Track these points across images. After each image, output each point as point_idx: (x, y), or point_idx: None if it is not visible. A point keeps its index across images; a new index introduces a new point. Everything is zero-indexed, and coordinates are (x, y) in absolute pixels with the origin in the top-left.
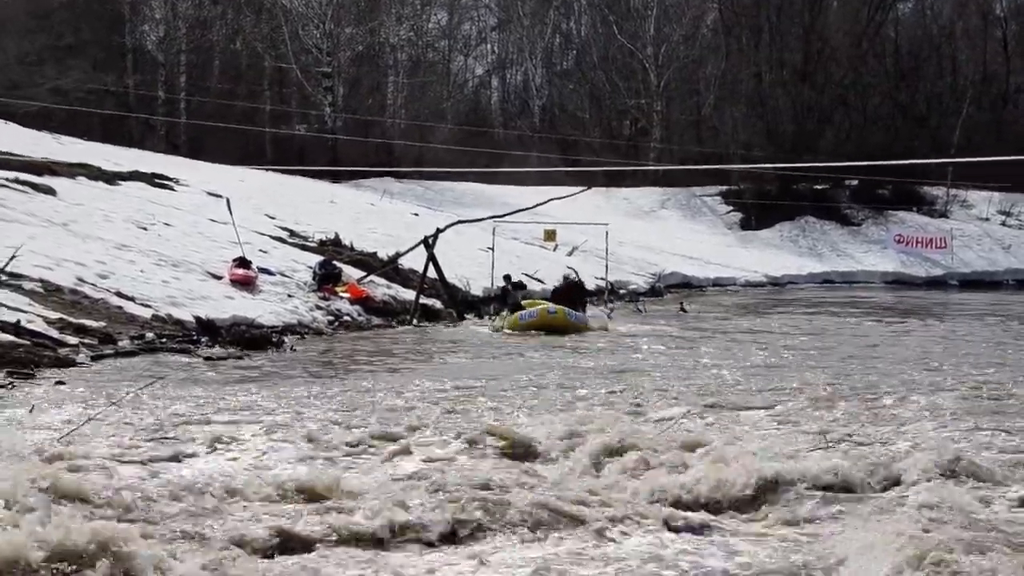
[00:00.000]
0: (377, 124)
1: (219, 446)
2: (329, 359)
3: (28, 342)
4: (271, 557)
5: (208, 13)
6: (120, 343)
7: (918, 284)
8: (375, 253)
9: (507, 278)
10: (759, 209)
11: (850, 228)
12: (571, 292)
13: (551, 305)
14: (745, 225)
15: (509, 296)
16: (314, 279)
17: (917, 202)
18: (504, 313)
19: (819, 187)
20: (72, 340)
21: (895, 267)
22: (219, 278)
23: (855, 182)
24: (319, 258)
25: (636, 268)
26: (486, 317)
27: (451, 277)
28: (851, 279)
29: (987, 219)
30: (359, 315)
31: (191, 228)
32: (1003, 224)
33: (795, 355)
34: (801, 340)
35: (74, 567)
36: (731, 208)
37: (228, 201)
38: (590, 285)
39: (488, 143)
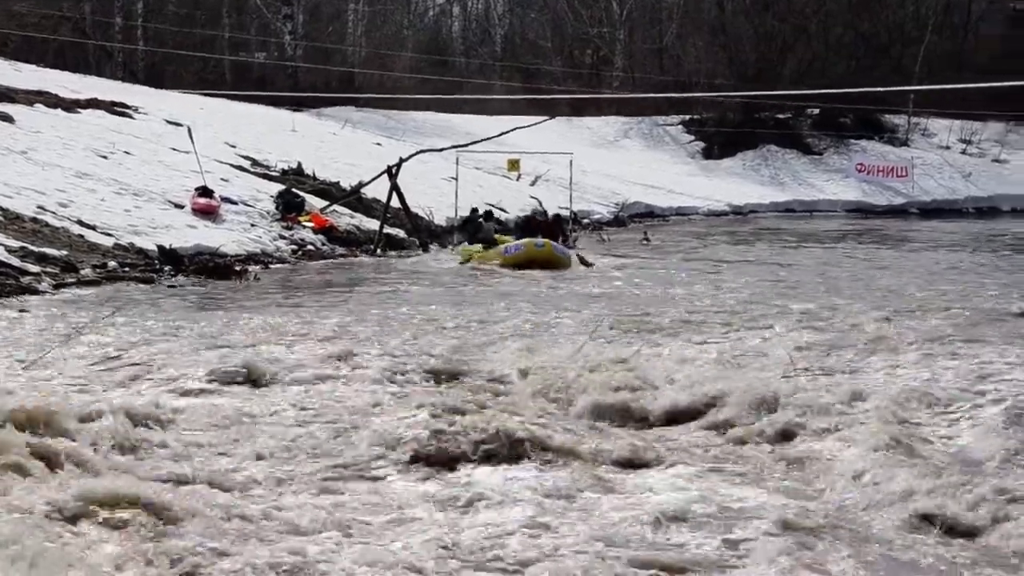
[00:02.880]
0: (338, 52)
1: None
2: (294, 288)
3: None
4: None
5: None
6: (82, 272)
7: (879, 213)
8: (338, 182)
9: (484, 212)
10: (721, 138)
11: (812, 157)
12: (554, 226)
13: (538, 239)
14: (707, 154)
15: (481, 229)
16: (277, 209)
17: (878, 131)
18: (467, 245)
19: (781, 116)
20: (34, 269)
21: (856, 196)
22: (181, 207)
23: (817, 111)
24: (281, 187)
25: (599, 198)
26: (449, 247)
27: (414, 207)
28: (813, 208)
29: (948, 147)
30: (323, 244)
31: (152, 157)
32: (963, 153)
33: (762, 284)
34: (765, 269)
35: None
36: (693, 137)
37: (189, 129)
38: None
39: (450, 72)
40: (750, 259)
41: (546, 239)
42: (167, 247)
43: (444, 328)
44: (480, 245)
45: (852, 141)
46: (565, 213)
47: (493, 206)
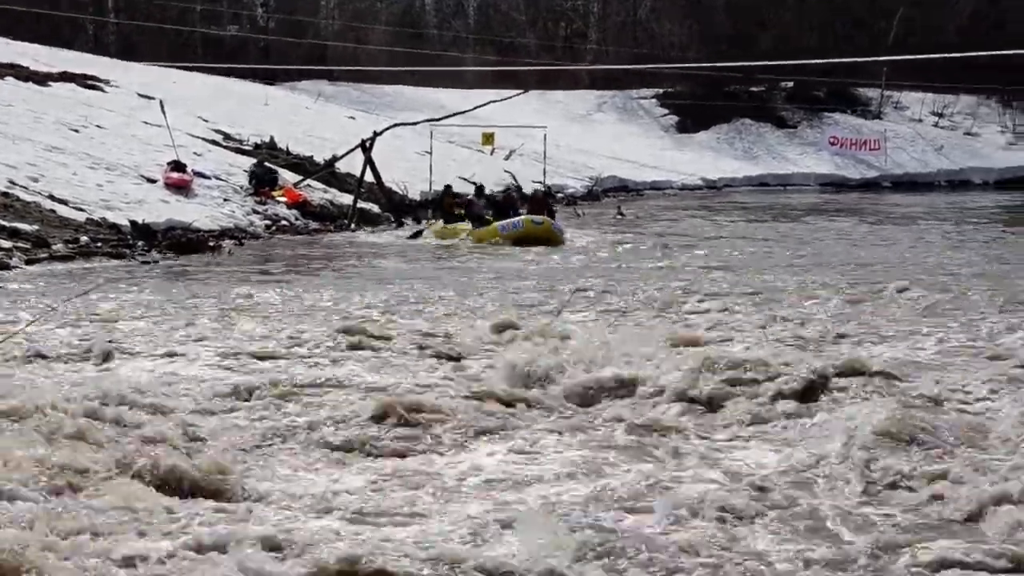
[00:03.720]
0: (311, 25)
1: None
2: (266, 264)
3: None
4: None
5: None
6: (54, 247)
7: (852, 186)
8: (311, 157)
9: (476, 188)
10: (695, 112)
11: (785, 130)
12: (543, 202)
13: (535, 216)
14: (681, 128)
15: (474, 206)
16: (250, 183)
17: (852, 103)
18: (438, 223)
19: (755, 89)
20: (5, 244)
21: (830, 169)
22: (154, 182)
23: (790, 84)
24: (254, 160)
25: (573, 172)
26: (423, 222)
27: (388, 181)
28: (787, 181)
29: (920, 120)
30: (296, 219)
31: (124, 130)
32: (936, 125)
33: (738, 256)
34: (740, 243)
35: None
36: (667, 111)
37: (161, 103)
38: (527, 189)
39: (423, 46)
40: (723, 235)
41: (544, 216)
42: (140, 222)
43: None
44: (442, 222)
45: (826, 114)
46: (540, 188)
47: (466, 180)
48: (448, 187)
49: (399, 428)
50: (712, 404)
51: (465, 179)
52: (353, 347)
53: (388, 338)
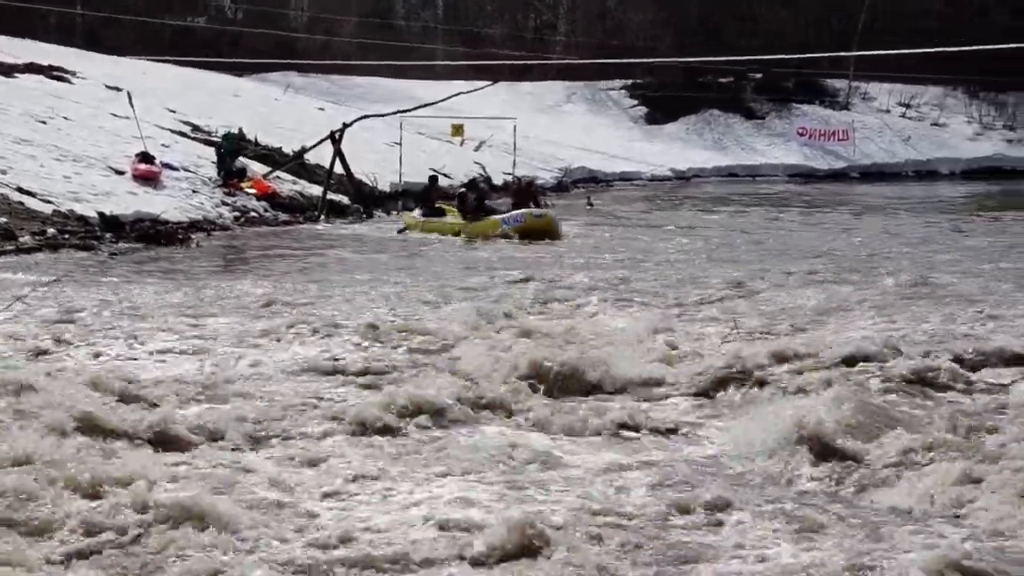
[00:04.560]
0: (280, 16)
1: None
2: (233, 256)
3: None
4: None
5: None
6: (21, 239)
7: (820, 177)
8: (280, 148)
9: (468, 181)
10: (664, 103)
11: (754, 121)
12: (529, 193)
13: (535, 209)
14: (650, 119)
15: (466, 200)
16: (218, 153)
17: (820, 95)
18: (409, 214)
19: (723, 80)
20: None
21: (798, 160)
22: (122, 173)
23: (759, 75)
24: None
25: (542, 163)
26: (395, 213)
27: (358, 173)
28: (755, 172)
29: (888, 111)
30: (266, 211)
31: (92, 122)
32: (903, 116)
33: (706, 247)
34: (705, 233)
35: None
36: (636, 102)
37: (129, 94)
38: (497, 180)
39: (393, 37)
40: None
41: (544, 210)
42: (108, 214)
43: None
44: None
45: (794, 105)
46: (509, 179)
47: (436, 171)
48: (434, 179)
49: None
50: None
51: (435, 171)
52: None
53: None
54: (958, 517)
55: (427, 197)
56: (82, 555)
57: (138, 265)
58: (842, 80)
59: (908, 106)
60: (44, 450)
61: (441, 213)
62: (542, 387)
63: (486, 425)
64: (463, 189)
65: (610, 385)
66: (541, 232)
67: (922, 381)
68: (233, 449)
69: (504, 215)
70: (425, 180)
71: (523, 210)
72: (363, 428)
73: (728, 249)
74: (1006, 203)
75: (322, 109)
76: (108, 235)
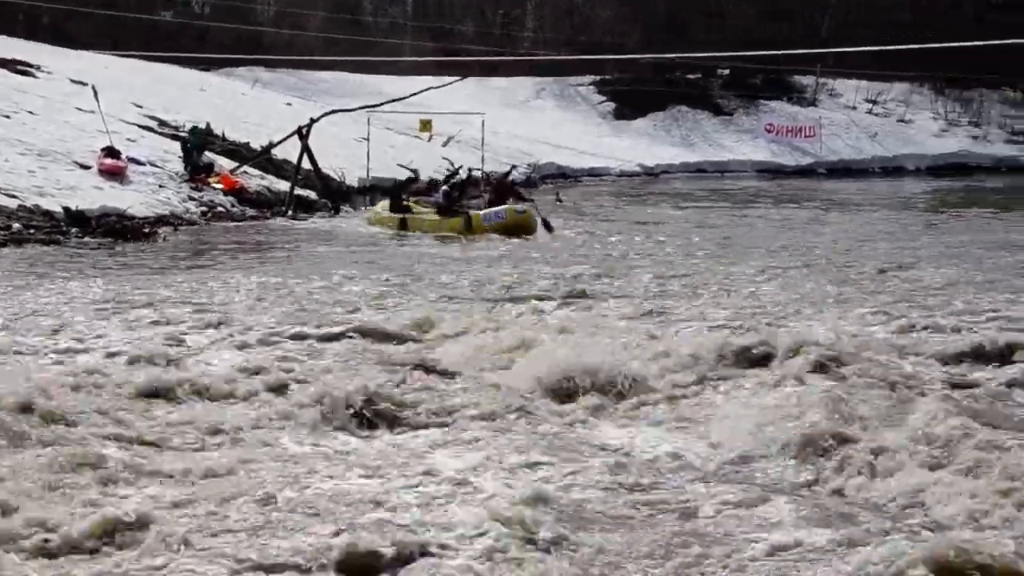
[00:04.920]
0: (247, 10)
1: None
2: (201, 250)
3: None
4: None
5: None
6: None
7: (788, 173)
8: (248, 143)
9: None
10: (632, 99)
11: (722, 118)
12: (507, 189)
13: (518, 205)
14: (619, 115)
15: (450, 197)
16: (184, 147)
17: (787, 91)
18: (376, 209)
19: (691, 77)
20: None
21: (766, 156)
22: (87, 168)
23: (727, 71)
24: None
25: (511, 158)
26: (362, 208)
27: (325, 168)
28: (723, 168)
29: (854, 108)
30: (233, 206)
31: (57, 116)
32: (870, 112)
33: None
34: (675, 228)
35: None
36: (605, 98)
37: (94, 89)
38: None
39: (360, 32)
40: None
41: (524, 206)
42: (73, 209)
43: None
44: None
45: (762, 101)
46: (477, 174)
47: (404, 166)
48: (415, 173)
49: None
50: None
51: (403, 166)
52: None
53: None
54: (925, 507)
55: (397, 193)
56: None
57: (88, 260)
58: (809, 77)
59: (875, 102)
60: None
61: (407, 210)
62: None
63: None
64: (446, 187)
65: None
66: (521, 228)
67: (892, 374)
68: None
69: (484, 212)
70: (394, 176)
71: (505, 206)
72: None
73: (695, 245)
74: (969, 199)
75: (289, 104)
76: (74, 230)
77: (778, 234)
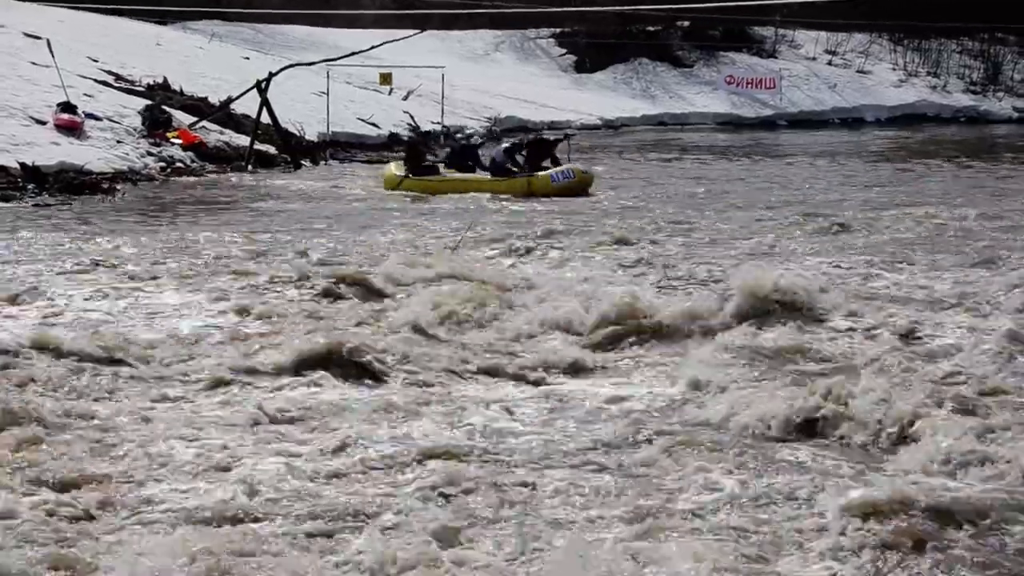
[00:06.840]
0: None
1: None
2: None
3: None
4: None
5: None
6: None
7: (748, 124)
8: (206, 98)
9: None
10: (592, 51)
11: (682, 70)
12: (547, 148)
13: (579, 165)
14: (579, 68)
15: (454, 158)
16: (144, 124)
17: (747, 42)
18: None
19: (651, 29)
20: None
21: (726, 108)
22: (44, 123)
23: (687, 23)
24: (148, 102)
25: (471, 112)
26: (322, 163)
27: (285, 122)
28: (684, 121)
29: (814, 59)
30: (192, 161)
31: (10, 71)
32: (829, 64)
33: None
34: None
35: None
36: (565, 51)
37: (48, 43)
38: (426, 129)
39: None
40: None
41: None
42: (30, 164)
43: None
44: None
45: (721, 53)
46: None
47: (364, 120)
48: (426, 133)
49: None
50: None
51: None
52: None
53: None
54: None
55: (417, 156)
56: None
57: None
58: (769, 28)
59: (834, 53)
60: None
61: (433, 171)
62: None
63: None
64: (506, 145)
65: None
66: (585, 189)
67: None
68: None
69: (553, 171)
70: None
71: (573, 166)
72: None
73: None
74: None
75: (247, 58)
76: (31, 186)
77: (741, 187)
